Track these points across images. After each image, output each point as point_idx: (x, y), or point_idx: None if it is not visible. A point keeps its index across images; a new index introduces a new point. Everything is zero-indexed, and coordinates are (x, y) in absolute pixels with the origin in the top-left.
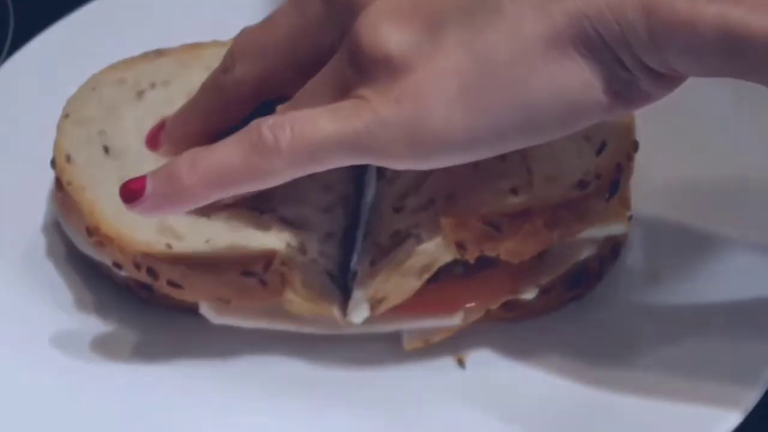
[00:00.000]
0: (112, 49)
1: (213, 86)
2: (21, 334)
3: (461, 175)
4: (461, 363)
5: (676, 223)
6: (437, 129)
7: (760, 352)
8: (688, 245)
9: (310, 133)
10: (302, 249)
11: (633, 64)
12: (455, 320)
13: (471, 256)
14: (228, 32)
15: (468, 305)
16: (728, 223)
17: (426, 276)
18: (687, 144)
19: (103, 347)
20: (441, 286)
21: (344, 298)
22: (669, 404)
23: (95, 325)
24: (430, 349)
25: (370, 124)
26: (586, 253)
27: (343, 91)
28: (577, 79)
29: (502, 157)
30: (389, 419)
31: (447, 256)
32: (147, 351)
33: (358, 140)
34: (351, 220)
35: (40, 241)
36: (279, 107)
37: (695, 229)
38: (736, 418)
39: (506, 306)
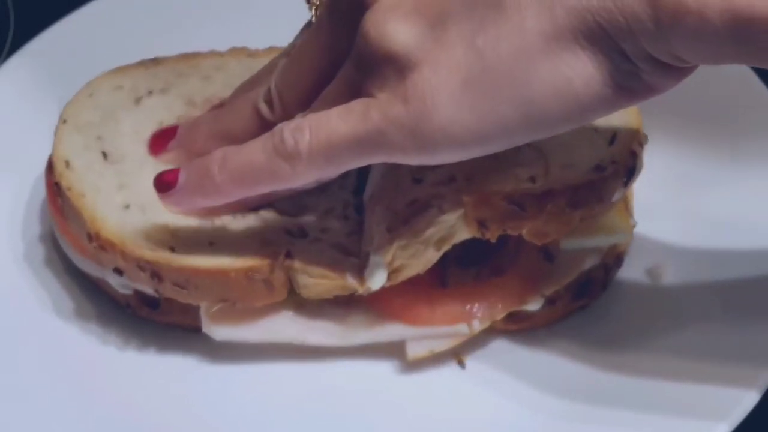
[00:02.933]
0: (112, 50)
1: (249, 112)
2: (21, 343)
3: (481, 160)
4: (461, 363)
5: (677, 227)
6: (444, 126)
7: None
8: (690, 248)
9: (325, 135)
10: (302, 233)
11: (636, 55)
12: (460, 330)
13: (492, 235)
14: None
15: (476, 313)
16: (731, 222)
17: (444, 248)
18: (688, 142)
19: (104, 356)
20: (450, 292)
21: (362, 264)
22: (676, 405)
23: (96, 334)
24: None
25: (380, 123)
26: (591, 262)
27: (355, 92)
28: (580, 73)
29: (518, 149)
30: (389, 420)
31: (466, 233)
32: (147, 361)
33: (369, 139)
34: (353, 192)
35: (39, 250)
36: (298, 115)
37: (697, 232)
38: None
39: (511, 318)
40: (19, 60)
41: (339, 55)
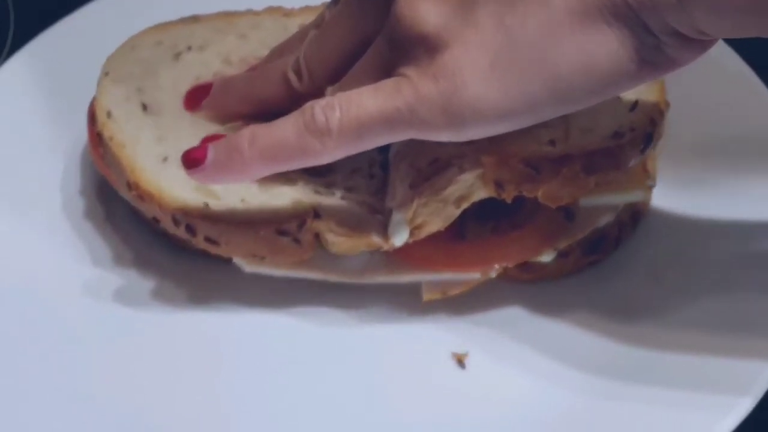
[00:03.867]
0: (112, 49)
1: (278, 80)
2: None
3: None
4: (461, 363)
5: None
6: (473, 103)
7: None
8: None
9: (356, 113)
10: (330, 192)
11: (660, 29)
12: (474, 275)
13: (508, 196)
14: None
15: (492, 266)
16: (749, 191)
17: (464, 205)
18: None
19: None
20: (470, 245)
21: (386, 221)
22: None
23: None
24: (430, 348)
25: (411, 100)
26: (606, 219)
27: (385, 71)
28: (605, 49)
29: None
30: (389, 418)
31: (484, 193)
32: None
33: (400, 117)
34: (379, 149)
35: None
36: (328, 89)
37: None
38: None
39: (523, 267)
40: (19, 60)
41: (367, 33)
